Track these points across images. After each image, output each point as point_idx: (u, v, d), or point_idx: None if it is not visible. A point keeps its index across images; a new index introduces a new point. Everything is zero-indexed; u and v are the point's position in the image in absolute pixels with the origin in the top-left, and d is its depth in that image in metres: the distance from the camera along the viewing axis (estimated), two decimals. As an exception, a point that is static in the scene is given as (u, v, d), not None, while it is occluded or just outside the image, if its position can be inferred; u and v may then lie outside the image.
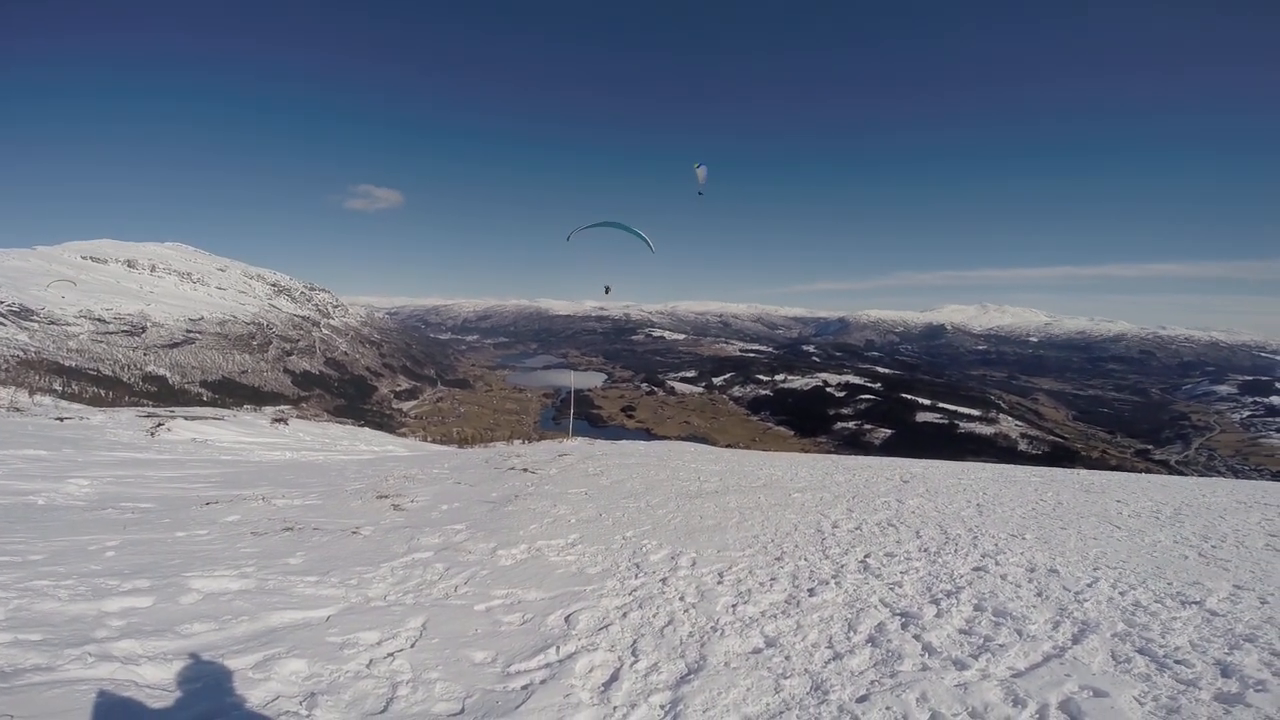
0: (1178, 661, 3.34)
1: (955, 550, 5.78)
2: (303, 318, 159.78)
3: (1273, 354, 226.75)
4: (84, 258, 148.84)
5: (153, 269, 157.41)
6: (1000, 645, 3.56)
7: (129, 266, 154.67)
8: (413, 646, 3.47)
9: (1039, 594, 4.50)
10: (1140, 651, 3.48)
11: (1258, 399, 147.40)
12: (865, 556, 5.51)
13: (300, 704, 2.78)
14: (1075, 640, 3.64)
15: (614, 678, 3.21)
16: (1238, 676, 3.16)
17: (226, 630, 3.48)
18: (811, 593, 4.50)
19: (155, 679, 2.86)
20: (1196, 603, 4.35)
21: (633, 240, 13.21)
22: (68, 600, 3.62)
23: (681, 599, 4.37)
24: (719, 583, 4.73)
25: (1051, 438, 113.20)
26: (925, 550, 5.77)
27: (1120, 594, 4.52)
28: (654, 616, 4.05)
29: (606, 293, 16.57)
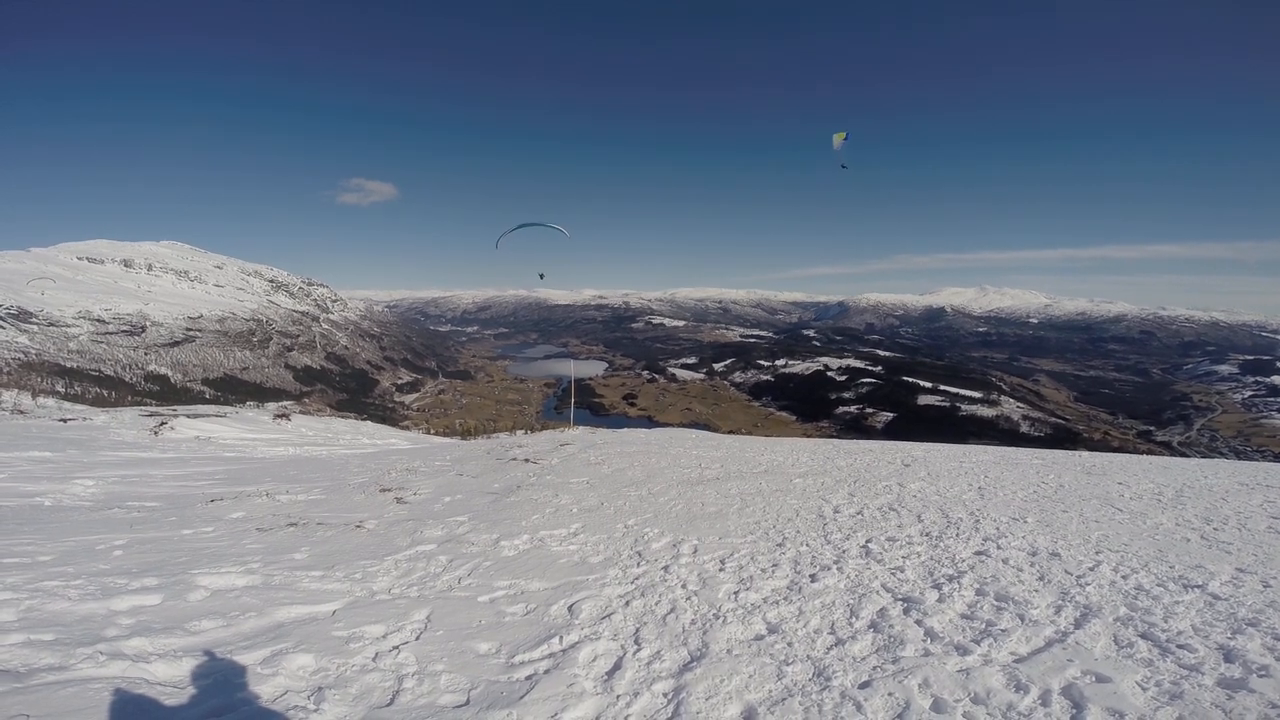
0: (1180, 646, 3.34)
1: (957, 534, 5.80)
2: (302, 313, 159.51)
3: (1273, 333, 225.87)
4: (79, 258, 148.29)
5: (149, 268, 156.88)
6: (1002, 630, 3.57)
7: (125, 266, 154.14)
8: (418, 639, 3.50)
9: (1041, 578, 4.51)
10: (1143, 636, 3.49)
11: (1259, 379, 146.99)
12: (867, 541, 5.53)
13: (308, 698, 2.81)
14: (1077, 625, 3.65)
15: (617, 666, 3.23)
16: (1241, 661, 3.15)
17: (234, 626, 3.51)
18: (813, 579, 4.52)
19: (166, 676, 2.89)
20: (1199, 586, 4.35)
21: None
22: (78, 600, 3.65)
23: (683, 587, 4.40)
24: (721, 570, 4.76)
25: (1053, 419, 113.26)
26: (927, 535, 5.79)
27: (1122, 578, 4.53)
28: (656, 605, 4.07)
29: (541, 278, 17.36)
